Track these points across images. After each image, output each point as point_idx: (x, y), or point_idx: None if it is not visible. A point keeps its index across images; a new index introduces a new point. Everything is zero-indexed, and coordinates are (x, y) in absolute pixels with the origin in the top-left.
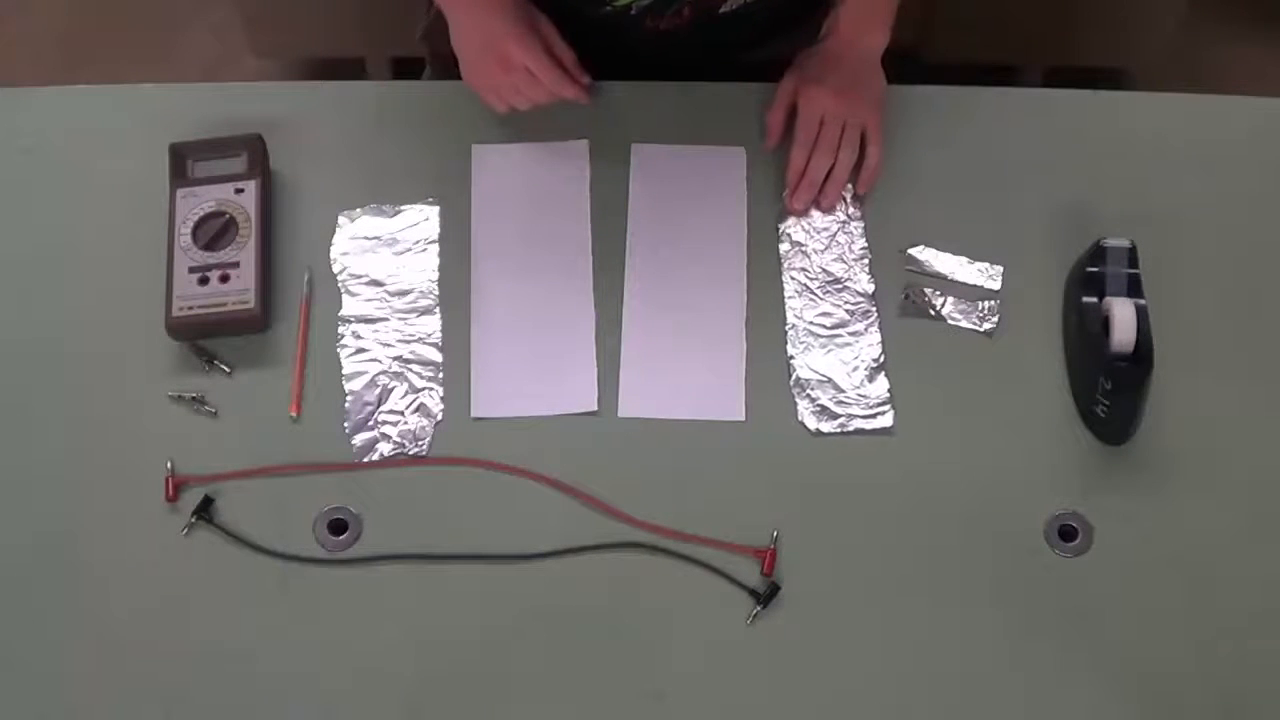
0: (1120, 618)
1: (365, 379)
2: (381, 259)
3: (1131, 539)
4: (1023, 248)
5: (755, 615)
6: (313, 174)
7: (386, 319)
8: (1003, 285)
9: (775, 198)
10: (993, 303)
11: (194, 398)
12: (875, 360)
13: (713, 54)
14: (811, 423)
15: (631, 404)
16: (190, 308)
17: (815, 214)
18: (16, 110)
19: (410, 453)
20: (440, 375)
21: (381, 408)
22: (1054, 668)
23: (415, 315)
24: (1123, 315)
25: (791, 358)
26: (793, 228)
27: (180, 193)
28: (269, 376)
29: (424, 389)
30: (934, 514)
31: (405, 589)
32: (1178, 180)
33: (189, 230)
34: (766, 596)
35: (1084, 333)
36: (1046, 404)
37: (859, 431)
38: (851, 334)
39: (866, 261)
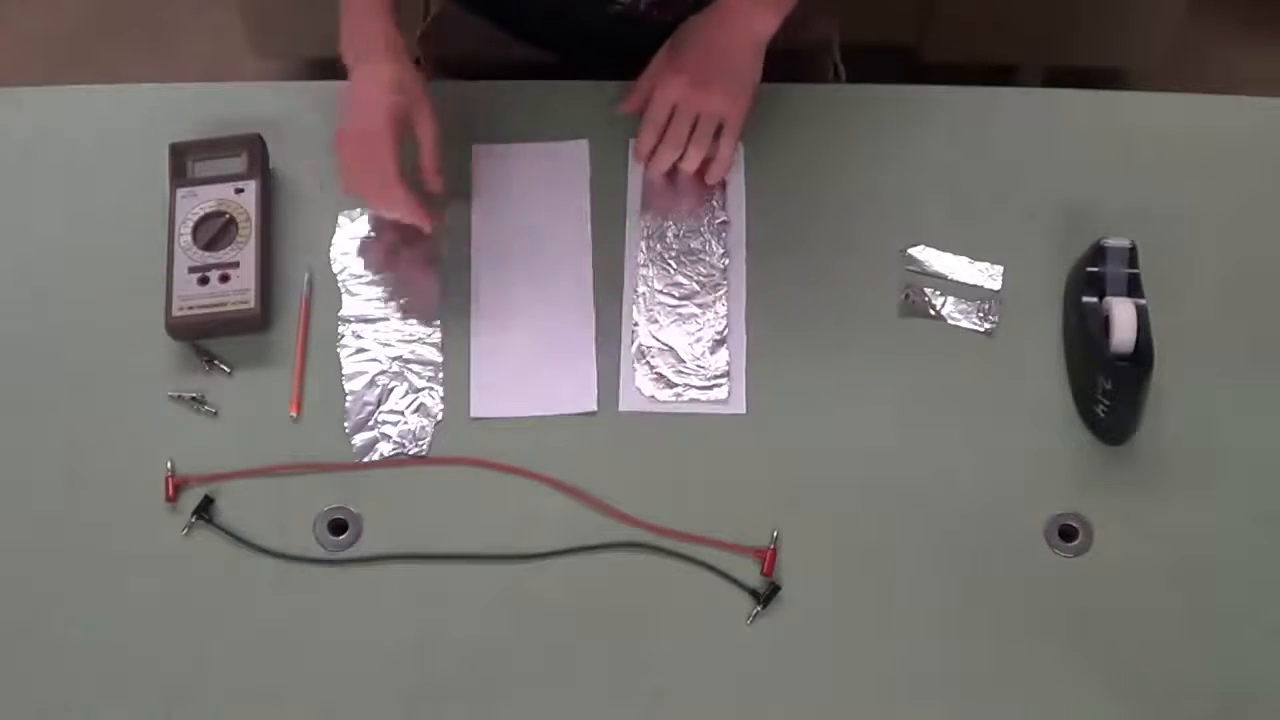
0: (1120, 618)
1: (365, 379)
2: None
3: (1131, 539)
4: (1023, 248)
5: (755, 615)
6: (313, 174)
7: (386, 319)
8: (1003, 285)
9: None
10: (993, 303)
11: (194, 398)
12: (719, 333)
13: None
14: (648, 389)
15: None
16: (190, 308)
17: (680, 184)
18: (16, 110)
19: (410, 452)
20: (440, 375)
21: (381, 408)
22: (1054, 667)
23: (415, 315)
24: (1123, 315)
25: (636, 325)
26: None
27: (180, 193)
28: (269, 376)
29: (424, 389)
30: (934, 514)
31: (405, 589)
32: (1178, 180)
33: (189, 230)
34: (766, 596)
35: (1084, 333)
36: (1046, 404)
37: (694, 402)
38: (699, 305)
39: (724, 235)
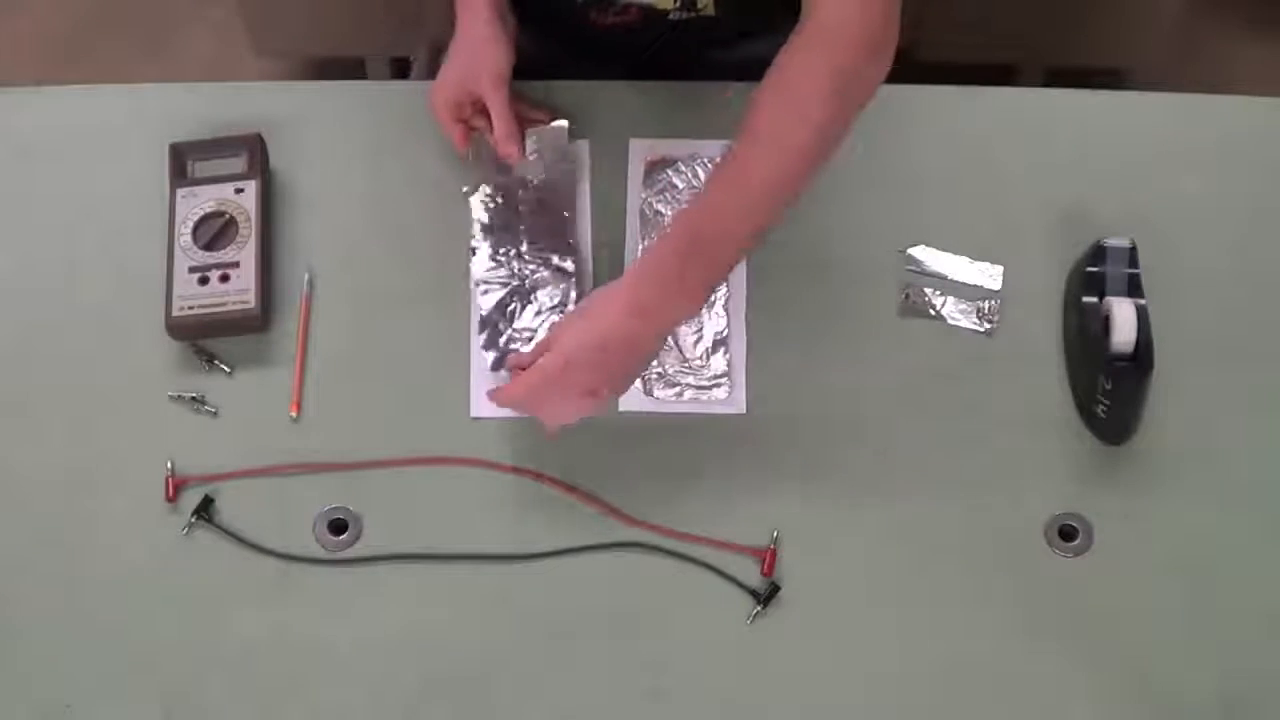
0: (1120, 618)
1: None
2: None
3: (1131, 539)
4: (1023, 248)
5: (755, 615)
6: (313, 174)
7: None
8: (1003, 285)
9: None
10: (993, 303)
11: (194, 398)
12: (719, 333)
13: (680, 54)
14: (648, 389)
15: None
16: (190, 308)
17: (679, 184)
18: (16, 110)
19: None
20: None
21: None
22: (1054, 667)
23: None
24: (1123, 315)
25: None
26: (655, 198)
27: (180, 193)
28: (269, 376)
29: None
30: (934, 514)
31: (405, 589)
32: (1178, 180)
33: (189, 230)
34: (766, 596)
35: (1084, 333)
36: (1046, 404)
37: (694, 402)
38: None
39: None
